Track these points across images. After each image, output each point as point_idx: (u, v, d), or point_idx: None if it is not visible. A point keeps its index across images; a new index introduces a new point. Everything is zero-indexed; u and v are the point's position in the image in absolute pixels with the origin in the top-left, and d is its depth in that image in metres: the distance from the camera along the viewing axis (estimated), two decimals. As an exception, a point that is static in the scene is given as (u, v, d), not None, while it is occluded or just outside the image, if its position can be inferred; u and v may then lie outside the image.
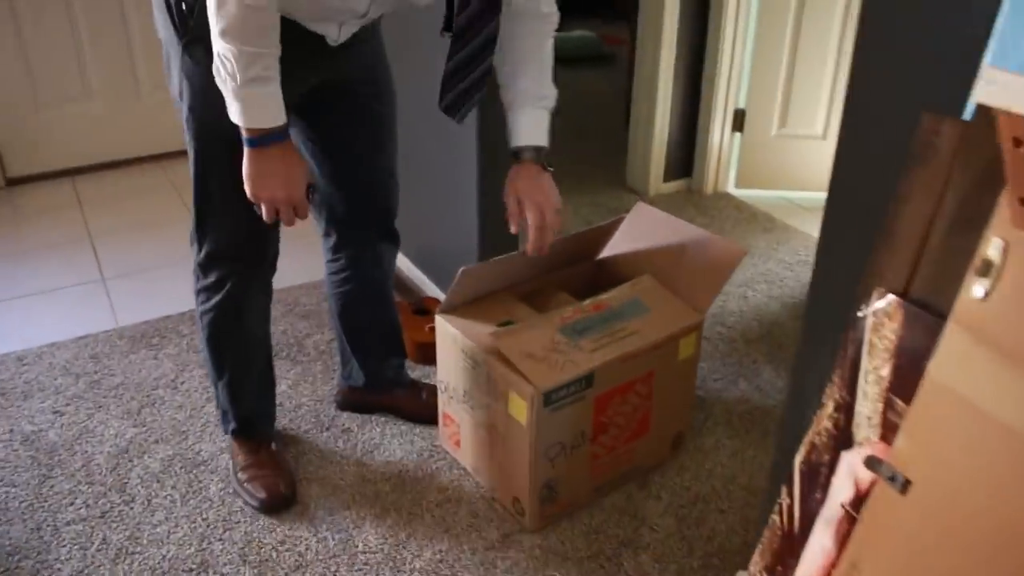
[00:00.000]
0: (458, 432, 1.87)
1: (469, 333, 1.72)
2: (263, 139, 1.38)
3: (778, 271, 2.82)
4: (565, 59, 2.31)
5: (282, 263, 1.73)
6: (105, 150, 3.61)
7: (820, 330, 1.30)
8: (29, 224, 3.13)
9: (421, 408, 2.03)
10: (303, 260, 2.59)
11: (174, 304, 2.56)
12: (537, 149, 1.63)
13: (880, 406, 0.97)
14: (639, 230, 1.98)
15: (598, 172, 3.58)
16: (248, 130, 1.37)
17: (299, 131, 1.71)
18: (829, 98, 3.20)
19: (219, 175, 1.56)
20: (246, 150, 1.40)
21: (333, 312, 1.98)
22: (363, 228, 1.86)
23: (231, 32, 1.29)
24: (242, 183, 1.44)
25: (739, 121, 3.30)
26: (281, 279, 1.78)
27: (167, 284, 2.69)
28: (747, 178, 3.38)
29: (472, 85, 1.52)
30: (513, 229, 1.64)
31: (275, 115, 1.38)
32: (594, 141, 3.97)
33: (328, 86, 1.64)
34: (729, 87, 3.22)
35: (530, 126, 1.63)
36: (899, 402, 0.94)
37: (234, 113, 1.36)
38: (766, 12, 3.12)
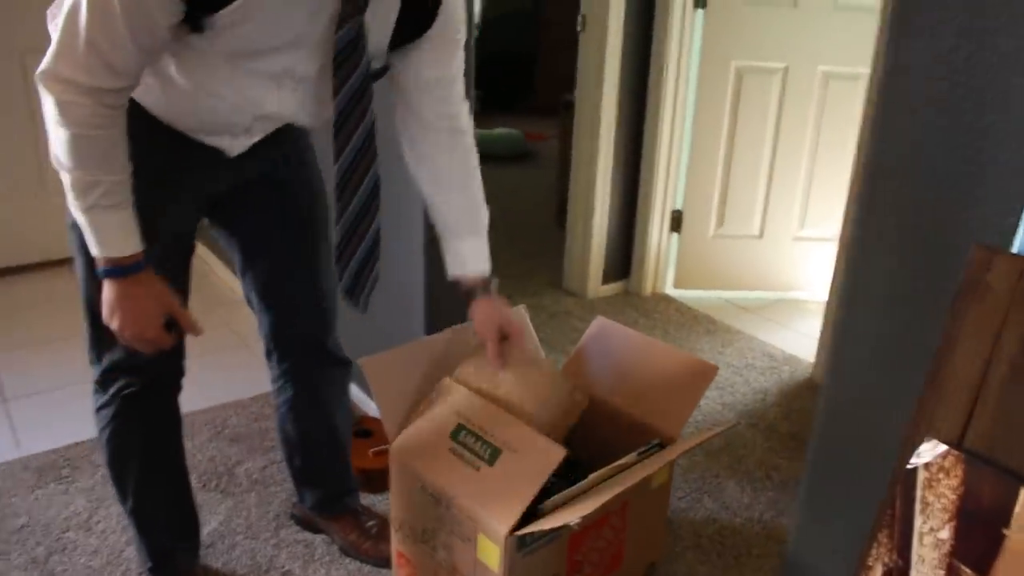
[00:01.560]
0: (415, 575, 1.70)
1: (429, 466, 1.56)
2: (109, 271, 1.25)
3: (727, 376, 2.76)
4: (489, 156, 2.24)
5: (207, 378, 1.57)
6: (9, 254, 3.36)
7: (828, 469, 1.21)
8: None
9: (370, 546, 1.85)
10: (232, 375, 2.40)
11: (84, 428, 2.32)
12: (486, 280, 1.57)
13: (942, 574, 0.86)
14: (600, 347, 1.87)
15: (534, 273, 3.49)
16: (96, 259, 1.24)
17: (222, 235, 1.60)
18: (765, 198, 3.22)
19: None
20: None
21: (277, 433, 1.83)
22: (296, 347, 1.71)
23: (62, 157, 1.17)
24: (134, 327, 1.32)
25: (676, 222, 3.28)
26: (207, 397, 1.61)
27: (75, 405, 2.45)
28: (685, 279, 3.34)
29: (366, 257, 1.42)
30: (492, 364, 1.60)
31: (118, 246, 1.24)
32: (527, 240, 3.90)
33: (239, 190, 1.53)
34: (666, 188, 3.21)
35: (474, 255, 1.55)
36: (966, 570, 0.84)
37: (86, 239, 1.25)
38: (702, 114, 3.14)
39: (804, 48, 3.07)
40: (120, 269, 1.25)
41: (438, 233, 1.58)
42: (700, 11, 3.04)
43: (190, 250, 1.51)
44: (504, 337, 1.59)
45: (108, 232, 1.23)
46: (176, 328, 1.36)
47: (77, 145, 1.16)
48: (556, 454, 1.43)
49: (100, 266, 1.25)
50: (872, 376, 1.22)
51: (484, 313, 1.57)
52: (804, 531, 1.42)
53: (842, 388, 1.28)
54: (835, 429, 1.31)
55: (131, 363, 1.48)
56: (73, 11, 1.11)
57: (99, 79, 1.14)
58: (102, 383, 1.53)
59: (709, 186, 3.22)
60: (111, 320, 1.28)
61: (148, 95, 1.30)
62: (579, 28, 3.03)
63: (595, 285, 3.29)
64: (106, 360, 1.49)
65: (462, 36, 1.43)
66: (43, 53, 1.17)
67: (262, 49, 1.22)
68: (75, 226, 1.34)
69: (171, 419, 1.62)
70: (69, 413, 2.41)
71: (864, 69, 2.95)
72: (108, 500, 2.05)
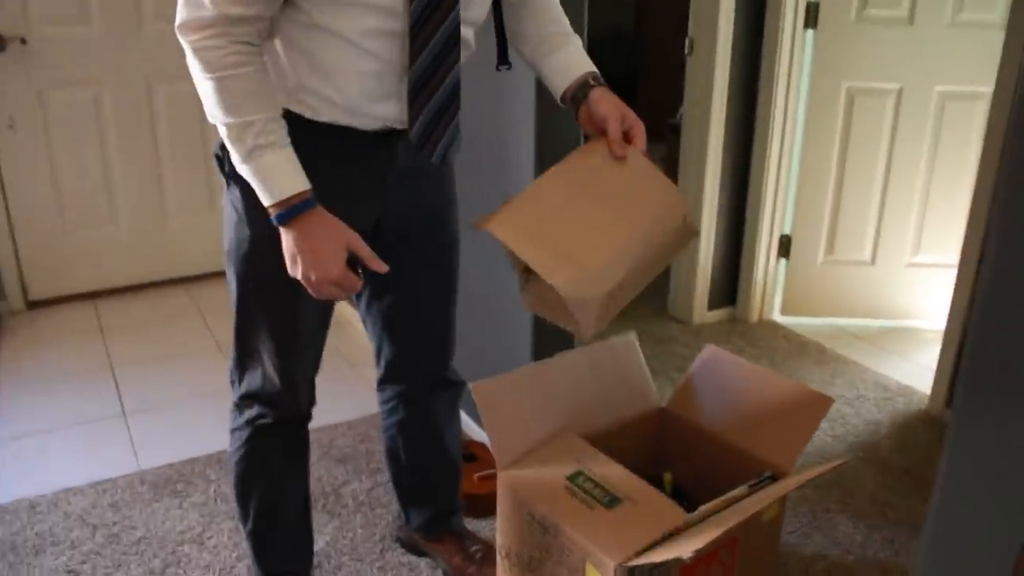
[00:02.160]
0: (520, 603, 1.68)
1: (540, 496, 1.55)
2: (281, 215, 1.25)
3: (838, 407, 2.66)
4: None
5: (317, 398, 1.60)
6: (129, 273, 3.52)
7: (957, 513, 1.15)
8: (48, 350, 3.00)
9: (475, 571, 1.85)
10: (339, 396, 2.45)
11: (200, 444, 2.40)
12: (597, 76, 1.46)
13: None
14: (710, 376, 1.83)
15: (639, 298, 3.45)
16: (268, 207, 1.25)
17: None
18: (877, 223, 3.11)
19: (256, 317, 1.45)
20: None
21: (385, 454, 1.84)
22: (416, 373, 1.73)
23: (213, 109, 1.21)
24: (279, 328, 1.38)
25: (785, 247, 3.20)
26: (314, 417, 1.64)
27: (192, 421, 2.54)
28: (794, 305, 3.25)
29: (442, 106, 1.35)
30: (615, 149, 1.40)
31: (284, 185, 1.24)
32: (628, 265, 3.87)
33: (386, 227, 1.52)
34: (775, 213, 3.14)
35: (576, 59, 1.47)
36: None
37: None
38: (811, 136, 3.06)
39: (919, 67, 2.96)
40: (290, 210, 1.24)
41: (536, 65, 1.50)
42: (810, 31, 2.98)
43: None
44: (628, 136, 1.42)
45: (271, 173, 1.23)
46: (361, 268, 1.33)
47: (222, 89, 1.19)
48: (675, 515, 1.40)
49: (273, 214, 1.25)
50: (1007, 411, 1.15)
51: (604, 99, 1.41)
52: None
53: (972, 424, 1.21)
54: (964, 467, 1.25)
55: (267, 394, 1.52)
56: None
57: (224, 5, 1.17)
58: (238, 407, 1.57)
59: (819, 211, 3.13)
60: (295, 270, 1.28)
61: (307, 95, 1.32)
62: (687, 51, 3.00)
63: (701, 312, 3.23)
64: (245, 385, 1.53)
65: None
66: (167, 79, 1.24)
67: None
68: (229, 255, 1.41)
69: (299, 449, 1.65)
70: (185, 429, 2.50)
71: (984, 88, 2.83)
72: (220, 516, 2.11)
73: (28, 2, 3.06)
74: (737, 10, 2.89)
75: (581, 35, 2.03)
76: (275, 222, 1.26)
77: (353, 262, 1.31)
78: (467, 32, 1.36)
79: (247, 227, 1.39)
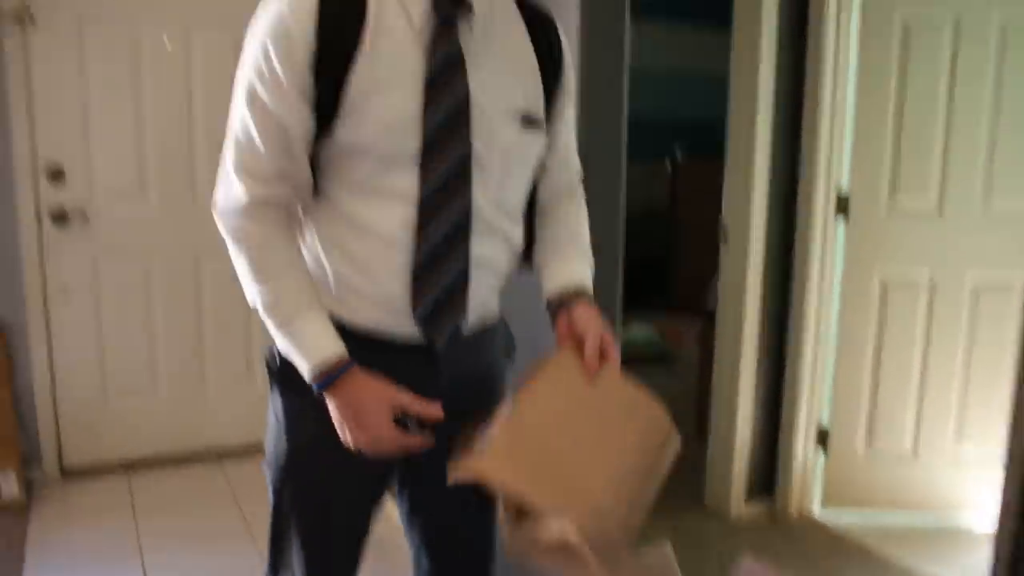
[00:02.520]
0: None
1: None
2: (321, 384, 1.26)
3: (883, 612, 2.53)
4: (627, 358, 2.23)
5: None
6: (165, 443, 3.54)
7: None
8: (79, 526, 2.98)
9: None
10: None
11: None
12: (585, 291, 1.43)
13: None
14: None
15: (672, 486, 3.37)
16: (308, 378, 1.27)
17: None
18: (917, 414, 3.05)
19: (290, 527, 1.42)
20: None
21: None
22: None
23: (248, 285, 1.28)
24: (313, 541, 1.35)
25: (823, 437, 3.14)
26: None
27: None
28: (834, 497, 3.16)
29: (453, 282, 1.33)
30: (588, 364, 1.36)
31: (319, 350, 1.26)
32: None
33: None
34: (811, 402, 3.10)
35: (579, 271, 1.46)
36: None
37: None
38: (846, 325, 3.06)
39: (951, 258, 2.98)
40: (328, 377, 1.25)
41: (538, 267, 1.50)
42: (842, 222, 3.03)
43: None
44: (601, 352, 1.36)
45: (305, 340, 1.26)
46: (413, 423, 1.30)
47: (251, 261, 1.27)
48: None
49: (313, 385, 1.26)
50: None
51: (584, 313, 1.39)
52: None
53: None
54: None
55: None
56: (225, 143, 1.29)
57: (253, 187, 1.26)
58: None
59: (856, 401, 3.09)
60: (345, 437, 1.27)
61: (346, 291, 1.33)
62: (721, 240, 3.06)
63: (738, 502, 3.15)
64: None
65: (573, 89, 1.50)
66: (214, 256, 1.32)
67: (394, 125, 1.26)
68: (268, 463, 1.41)
69: None
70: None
71: (1018, 277, 2.83)
72: None
73: (94, 180, 3.24)
74: (769, 201, 2.97)
75: (617, 214, 2.08)
76: (316, 392, 1.27)
77: (405, 419, 1.29)
78: (495, 215, 1.37)
79: (286, 440, 1.39)
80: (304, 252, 1.36)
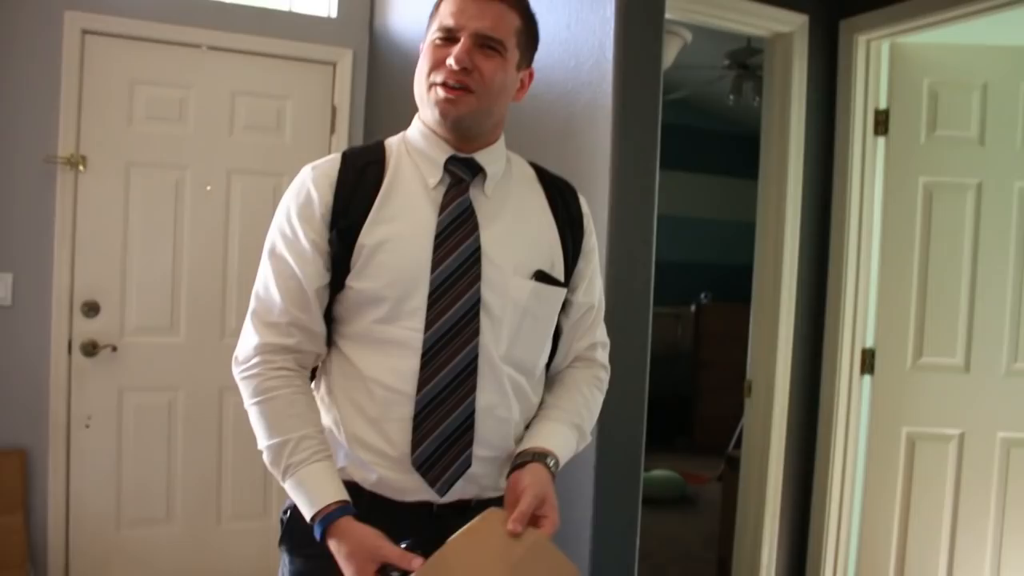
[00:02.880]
0: None
1: None
2: (318, 527, 1.29)
3: None
4: (649, 499, 2.21)
5: None
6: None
7: None
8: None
9: None
10: None
11: None
12: (544, 454, 1.38)
13: None
14: None
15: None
16: (310, 522, 1.30)
17: None
18: (947, 573, 2.96)
19: None
20: None
21: None
22: None
23: (259, 437, 1.33)
24: None
25: (851, 593, 3.05)
26: None
27: None
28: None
29: (455, 432, 1.34)
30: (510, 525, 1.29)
31: (316, 499, 1.30)
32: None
33: None
34: (837, 554, 3.02)
35: (553, 435, 1.43)
36: None
37: None
38: (872, 480, 3.01)
39: (980, 414, 2.95)
40: (324, 519, 1.28)
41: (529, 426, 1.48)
42: (867, 376, 3.03)
43: None
44: (537, 519, 1.32)
45: (306, 488, 1.30)
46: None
47: (261, 413, 1.33)
48: None
49: (313, 525, 1.30)
50: None
51: (531, 475, 1.35)
52: None
53: None
54: None
55: None
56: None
57: (265, 334, 1.35)
58: None
59: (884, 555, 3.01)
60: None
61: (360, 448, 1.37)
62: (745, 394, 3.06)
63: (762, 658, 3.04)
64: None
65: (596, 259, 1.54)
66: (238, 390, 1.40)
67: (404, 276, 1.33)
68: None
69: None
70: None
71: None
72: None
73: (127, 314, 3.30)
74: (794, 355, 2.98)
75: (644, 352, 2.09)
76: (318, 537, 1.29)
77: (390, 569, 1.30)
78: (506, 368, 1.40)
79: None
80: (320, 408, 1.41)
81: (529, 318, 1.41)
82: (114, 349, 3.28)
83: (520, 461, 1.39)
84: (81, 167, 3.14)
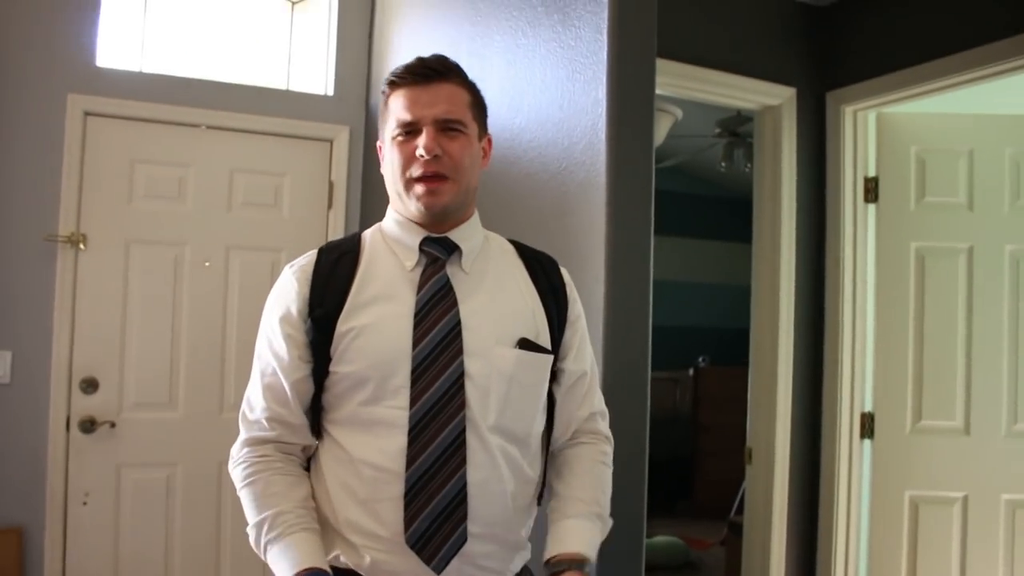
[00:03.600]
0: None
1: None
2: None
3: None
4: (650, 567, 2.18)
5: None
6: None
7: None
8: None
9: None
10: None
11: None
12: (578, 560, 1.40)
13: None
14: None
15: None
16: None
17: None
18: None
19: None
20: None
21: None
22: None
23: (248, 517, 1.37)
24: None
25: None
26: None
27: None
28: None
29: (447, 508, 1.34)
30: None
31: (289, 569, 1.31)
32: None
33: None
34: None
35: (578, 533, 1.43)
36: None
37: None
38: (876, 542, 2.99)
39: (982, 476, 2.95)
40: None
41: (548, 522, 1.47)
42: (867, 441, 3.02)
43: None
44: None
45: (283, 560, 1.32)
46: None
47: (245, 497, 1.38)
48: None
49: None
50: None
51: None
52: None
53: None
54: None
55: None
56: None
57: (250, 428, 1.42)
58: None
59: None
60: None
61: (352, 531, 1.37)
62: (746, 460, 3.06)
63: None
64: None
65: (584, 326, 1.55)
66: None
67: (386, 359, 1.36)
68: None
69: None
70: None
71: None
72: None
73: (125, 390, 3.29)
74: (793, 420, 2.99)
75: (644, 420, 2.08)
76: None
77: None
78: (498, 441, 1.40)
79: None
80: (316, 500, 1.42)
81: (516, 386, 1.42)
82: (112, 425, 3.26)
83: (556, 570, 1.39)
84: (82, 245, 3.16)
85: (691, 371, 6.49)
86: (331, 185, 3.56)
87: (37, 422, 3.15)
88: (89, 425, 3.21)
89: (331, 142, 3.57)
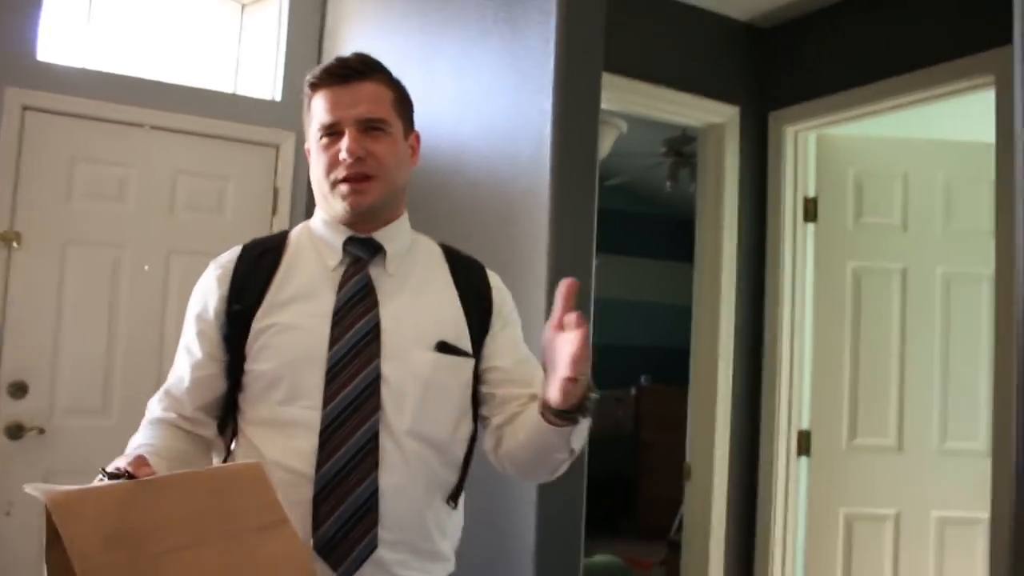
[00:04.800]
0: None
1: None
2: None
3: None
4: None
5: None
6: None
7: None
8: None
9: None
10: None
11: None
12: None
13: None
14: None
15: None
16: None
17: None
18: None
19: None
20: None
21: None
22: None
23: None
24: None
25: None
26: None
27: None
28: None
29: (356, 513, 1.31)
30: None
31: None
32: None
33: None
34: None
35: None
36: None
37: None
38: (812, 564, 3.02)
39: (914, 492, 3.01)
40: None
41: (517, 447, 1.40)
42: (804, 458, 3.07)
43: None
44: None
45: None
46: None
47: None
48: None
49: None
50: None
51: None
52: None
53: None
54: None
55: None
56: None
57: (150, 411, 1.46)
58: None
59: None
60: None
61: None
62: (685, 477, 3.08)
63: None
64: None
65: (517, 321, 1.54)
66: None
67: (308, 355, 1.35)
68: None
69: None
70: None
71: (981, 513, 2.86)
72: None
73: (57, 395, 3.20)
74: (732, 437, 3.02)
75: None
76: None
77: None
78: (413, 445, 1.37)
79: None
80: None
81: (434, 390, 1.40)
82: (41, 432, 3.16)
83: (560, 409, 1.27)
84: (15, 243, 3.07)
85: (633, 390, 6.53)
86: (276, 191, 3.52)
87: (-39, 428, 3.05)
88: (16, 431, 3.11)
89: (277, 147, 3.53)
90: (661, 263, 6.89)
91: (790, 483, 3.04)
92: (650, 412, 6.30)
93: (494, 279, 1.55)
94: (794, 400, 3.05)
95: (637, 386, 6.53)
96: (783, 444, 3.02)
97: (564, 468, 1.42)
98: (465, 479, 1.49)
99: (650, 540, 5.59)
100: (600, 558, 5.07)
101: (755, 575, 3.06)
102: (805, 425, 3.07)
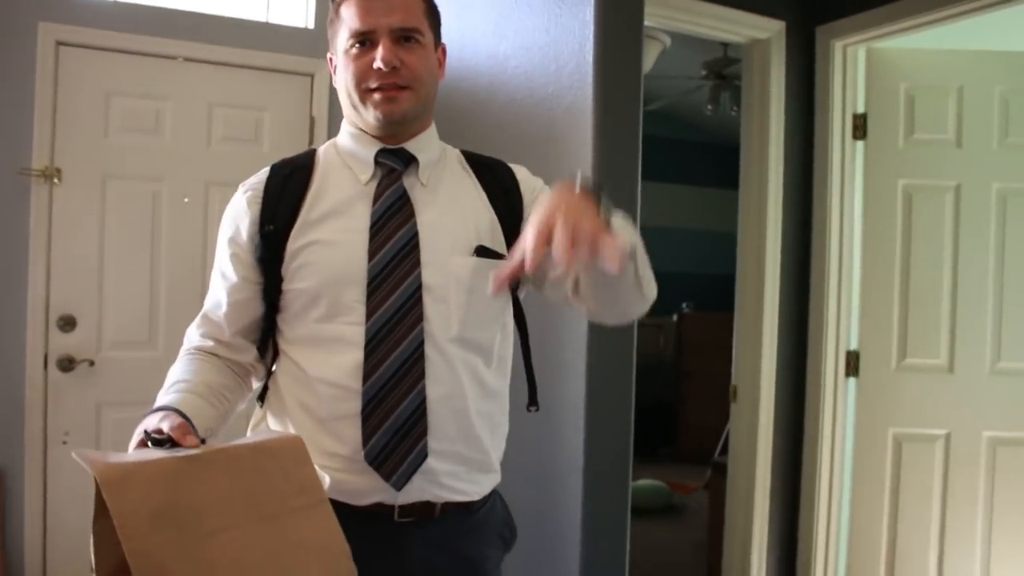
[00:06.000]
0: None
1: None
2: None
3: None
4: (633, 510, 2.18)
5: None
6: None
7: None
8: None
9: None
10: None
11: None
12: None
13: None
14: None
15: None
16: None
17: None
18: (938, 565, 2.95)
19: None
20: None
21: None
22: None
23: None
24: None
25: (840, 604, 3.04)
26: None
27: None
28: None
29: (405, 424, 1.31)
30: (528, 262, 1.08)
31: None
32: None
33: None
34: (827, 558, 3.02)
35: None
36: None
37: None
38: (860, 482, 3.01)
39: (965, 414, 2.96)
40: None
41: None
42: (853, 379, 3.03)
43: None
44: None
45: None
46: None
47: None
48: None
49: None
50: None
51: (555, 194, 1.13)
52: None
53: None
54: None
55: None
56: None
57: (189, 341, 1.43)
58: None
59: (874, 555, 3.00)
60: None
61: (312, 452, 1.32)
62: (731, 399, 3.05)
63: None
64: None
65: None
66: None
67: (341, 276, 1.33)
68: None
69: None
70: None
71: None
72: None
73: (104, 328, 3.25)
74: (779, 359, 2.98)
75: (630, 364, 2.07)
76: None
77: None
78: (458, 352, 1.36)
79: None
80: (274, 421, 1.41)
81: (476, 295, 1.38)
82: (91, 364, 3.22)
83: None
84: (56, 180, 3.09)
85: (675, 317, 6.49)
86: (312, 120, 3.49)
87: (14, 361, 3.11)
88: (67, 364, 3.17)
89: (312, 76, 3.49)
90: (703, 189, 6.80)
91: (838, 404, 3.00)
92: (692, 339, 6.28)
93: (520, 171, 1.51)
94: (842, 321, 2.99)
95: (679, 313, 6.49)
96: (831, 365, 2.98)
97: (646, 277, 1.34)
98: (535, 382, 1.49)
99: (691, 466, 5.62)
100: (643, 482, 5.12)
101: (802, 495, 3.05)
102: (854, 346, 3.02)
